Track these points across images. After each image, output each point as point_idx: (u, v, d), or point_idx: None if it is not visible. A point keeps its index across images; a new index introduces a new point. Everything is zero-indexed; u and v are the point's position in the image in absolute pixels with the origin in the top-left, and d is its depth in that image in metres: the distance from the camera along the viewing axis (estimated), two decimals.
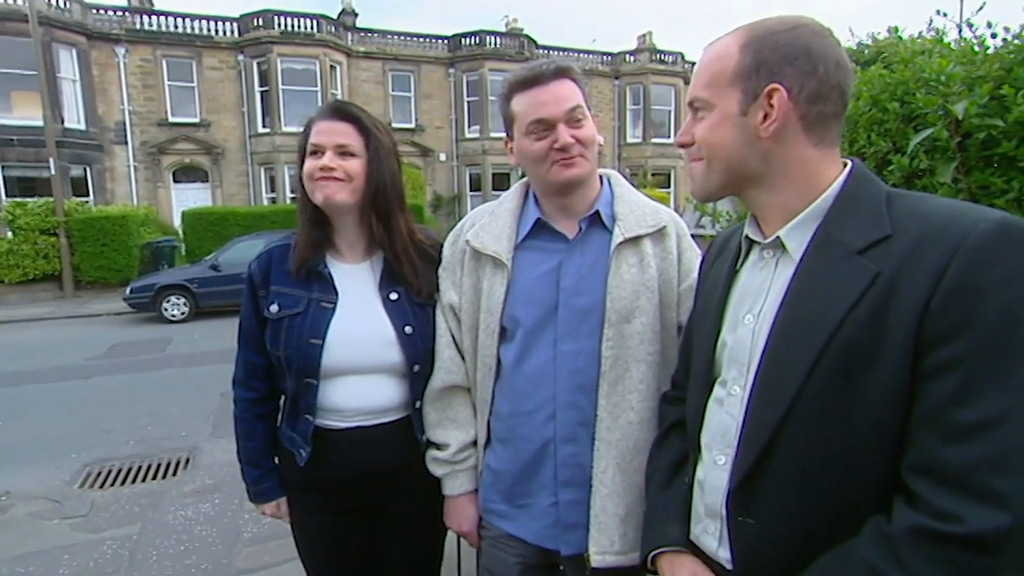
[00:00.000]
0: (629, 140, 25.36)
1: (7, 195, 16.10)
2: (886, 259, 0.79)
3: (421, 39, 22.48)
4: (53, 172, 13.60)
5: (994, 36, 1.34)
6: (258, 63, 19.53)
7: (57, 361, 7.90)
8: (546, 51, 23.98)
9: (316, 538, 1.52)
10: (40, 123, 14.54)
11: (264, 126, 19.66)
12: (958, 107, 1.24)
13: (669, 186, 25.09)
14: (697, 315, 1.14)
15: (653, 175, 24.35)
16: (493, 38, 22.44)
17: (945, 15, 1.54)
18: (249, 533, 3.33)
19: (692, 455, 1.07)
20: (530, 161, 1.30)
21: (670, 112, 25.15)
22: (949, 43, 1.54)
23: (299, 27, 19.54)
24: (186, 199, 19.27)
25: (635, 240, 1.28)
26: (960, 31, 1.48)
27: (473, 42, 22.25)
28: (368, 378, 1.41)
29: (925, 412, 0.74)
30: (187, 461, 4.43)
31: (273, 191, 19.78)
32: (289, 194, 19.28)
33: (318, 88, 19.65)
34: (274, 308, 1.41)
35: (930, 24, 1.57)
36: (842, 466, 0.81)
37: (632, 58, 25.41)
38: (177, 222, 17.89)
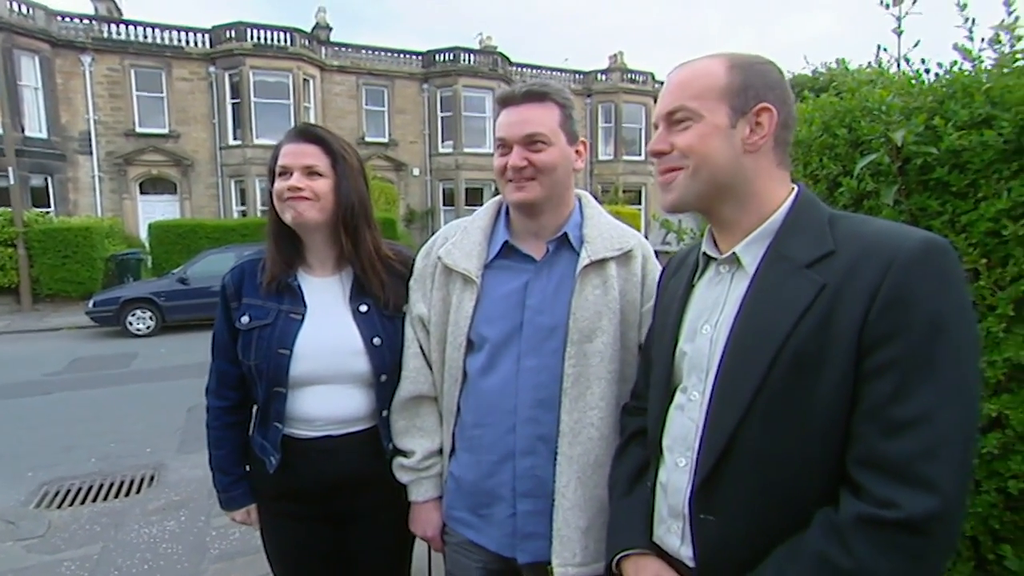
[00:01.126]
0: (601, 157, 25.76)
1: None
2: (830, 273, 0.87)
3: (395, 54, 22.57)
4: (12, 181, 13.21)
5: (927, 71, 1.45)
6: (230, 75, 19.36)
7: (13, 377, 7.65)
8: (519, 68, 24.29)
9: (285, 545, 1.55)
10: None
11: (235, 138, 19.46)
12: (897, 135, 1.33)
13: (640, 203, 25.48)
14: (656, 327, 1.20)
15: (624, 192, 24.72)
16: (467, 55, 22.65)
17: (885, 50, 1.64)
18: (216, 550, 3.28)
19: (654, 460, 1.12)
20: (496, 175, 1.38)
21: (640, 130, 25.64)
22: (892, 74, 1.65)
23: (272, 40, 19.45)
24: (153, 211, 18.91)
25: (600, 263, 1.33)
26: (899, 65, 1.59)
27: (447, 58, 22.44)
28: (335, 388, 1.46)
29: (866, 410, 0.82)
30: (152, 478, 4.34)
31: (244, 204, 19.53)
32: (260, 207, 19.05)
33: (291, 101, 19.56)
34: (245, 319, 1.47)
35: (877, 55, 1.67)
36: (796, 463, 0.88)
37: (604, 77, 25.89)
38: (144, 234, 17.54)
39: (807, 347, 0.86)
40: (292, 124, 18.33)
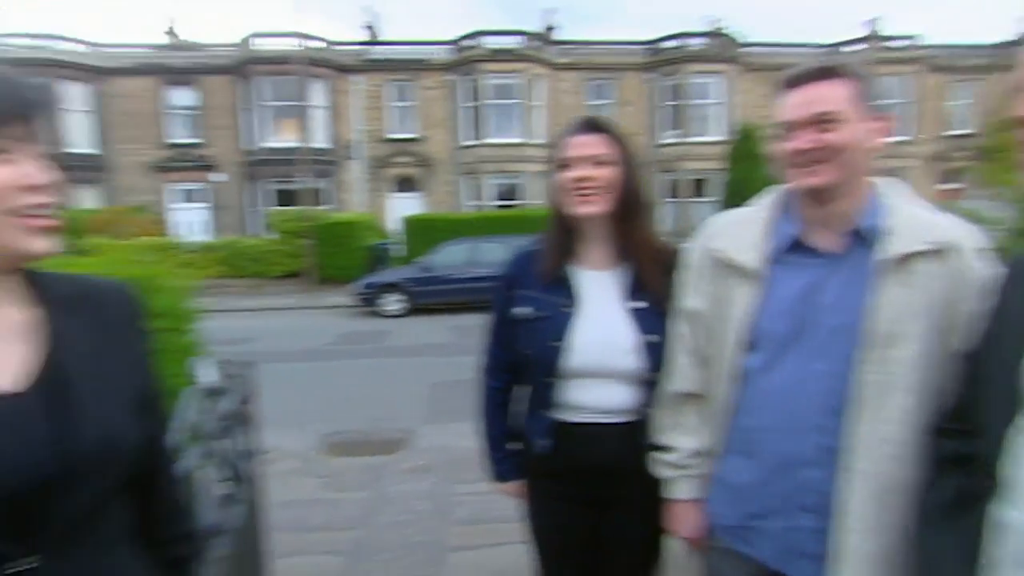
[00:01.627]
0: None
1: (271, 205, 19.50)
2: None
3: (620, 46, 22.52)
4: (304, 185, 16.14)
5: None
6: (468, 81, 21.19)
7: (301, 344, 9.31)
8: (752, 48, 22.52)
9: (548, 524, 1.60)
10: (296, 145, 17.39)
11: (471, 139, 21.24)
12: None
13: None
14: (993, 334, 0.98)
15: None
16: (694, 40, 21.70)
17: None
18: (459, 515, 3.59)
19: (990, 494, 0.92)
20: (781, 162, 1.24)
21: (902, 105, 22.04)
22: None
23: (505, 44, 20.83)
24: (401, 207, 21.55)
25: (906, 259, 1.15)
26: None
27: (673, 45, 21.73)
28: (605, 381, 1.47)
29: None
30: (404, 442, 4.92)
31: (477, 199, 21.26)
32: (491, 202, 20.61)
33: (520, 101, 20.74)
34: (520, 310, 1.52)
35: None
36: None
37: (856, 48, 22.73)
38: (394, 228, 20.11)
39: None
40: (523, 123, 19.43)
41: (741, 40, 22.30)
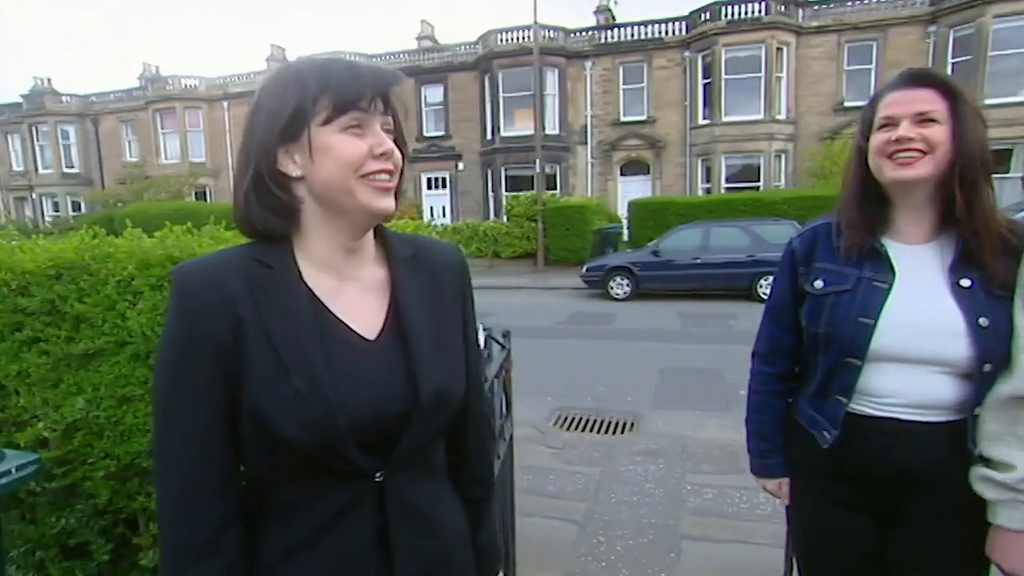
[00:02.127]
0: None
1: (507, 191, 20.91)
2: None
3: None
4: (537, 171, 16.94)
5: None
6: (703, 56, 20.09)
7: (533, 321, 9.83)
8: None
9: (820, 528, 1.42)
10: (530, 132, 18.30)
11: (704, 118, 20.16)
12: None
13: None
14: None
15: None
16: None
17: None
18: (691, 504, 3.48)
19: None
20: None
21: None
22: None
23: (747, 13, 19.24)
24: (630, 190, 21.43)
25: None
26: None
27: None
28: (921, 369, 1.24)
29: None
30: (632, 424, 4.92)
31: (709, 181, 20.18)
32: (724, 184, 19.42)
33: (762, 74, 19.08)
34: (819, 284, 1.35)
35: None
36: None
37: None
38: (621, 211, 20.13)
39: None
40: (762, 98, 17.82)
41: None
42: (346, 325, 0.88)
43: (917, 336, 1.23)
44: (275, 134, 0.84)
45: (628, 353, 7.61)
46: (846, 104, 19.31)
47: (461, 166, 23.70)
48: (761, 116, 19.33)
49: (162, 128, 26.81)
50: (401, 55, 24.56)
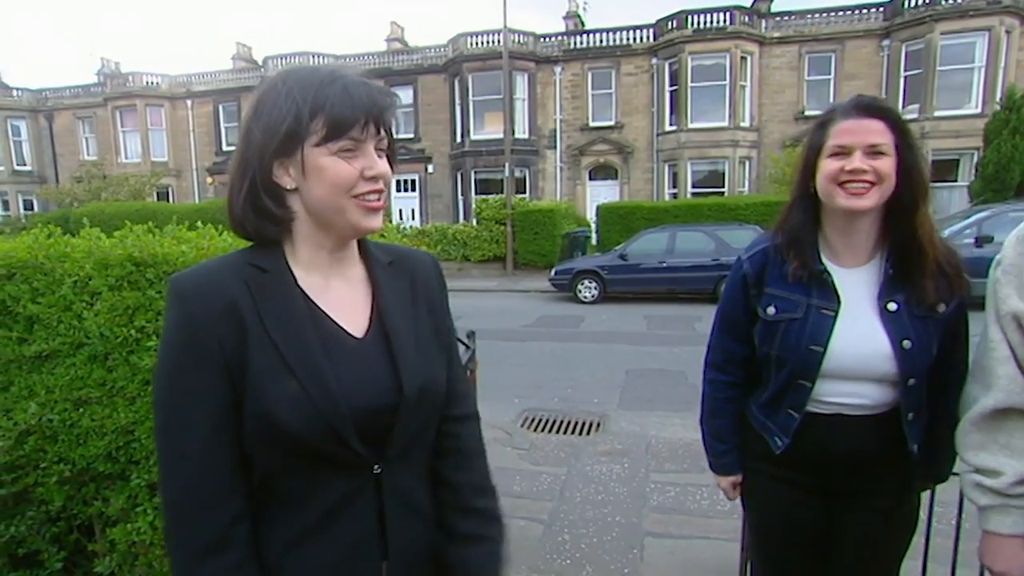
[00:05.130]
0: None
1: (476, 194, 20.93)
2: None
3: (849, 11, 19.97)
4: (507, 174, 17.00)
5: None
6: (670, 64, 20.47)
7: (501, 324, 9.85)
8: None
9: (773, 506, 1.51)
10: (500, 136, 18.37)
11: (671, 124, 20.53)
12: None
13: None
14: None
15: None
16: None
17: None
18: (655, 501, 3.55)
19: None
20: None
21: None
22: None
23: (712, 22, 19.70)
24: (598, 195, 21.66)
25: None
26: None
27: (921, 2, 18.54)
28: (860, 383, 1.37)
29: None
30: (598, 425, 4.98)
31: (675, 187, 20.55)
32: (691, 189, 19.79)
33: (726, 82, 19.56)
34: (771, 311, 1.42)
35: None
36: None
37: None
38: (590, 215, 20.32)
39: None
40: (727, 106, 18.23)
41: None
42: (337, 323, 0.93)
43: (857, 358, 1.35)
44: (271, 148, 0.87)
45: (595, 355, 7.69)
46: (807, 113, 19.91)
47: (430, 169, 23.62)
48: (726, 123, 19.79)
49: (122, 126, 26.04)
50: (370, 56, 24.37)
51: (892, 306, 1.33)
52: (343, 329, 0.93)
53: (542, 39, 22.26)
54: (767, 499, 1.52)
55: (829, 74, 20.08)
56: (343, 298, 0.95)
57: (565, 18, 24.13)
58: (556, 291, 12.99)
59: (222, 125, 25.79)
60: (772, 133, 20.37)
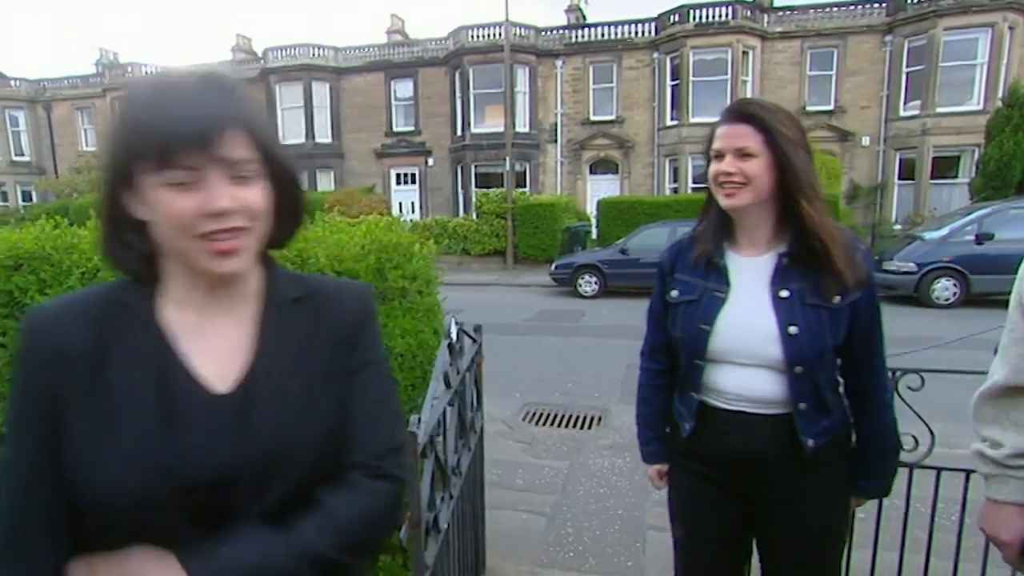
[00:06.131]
0: None
1: (477, 187, 20.92)
2: None
3: (851, 7, 19.89)
4: (507, 168, 16.97)
5: None
6: (671, 58, 20.41)
7: (502, 318, 9.86)
8: None
9: (691, 500, 1.59)
10: (501, 129, 18.34)
11: (672, 119, 20.50)
12: None
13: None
14: None
15: None
16: None
17: None
18: (657, 495, 3.56)
19: None
20: None
21: None
22: None
23: (714, 16, 19.63)
24: (599, 189, 21.64)
25: None
26: None
27: None
28: (750, 369, 1.42)
29: None
30: (599, 419, 4.99)
31: (676, 181, 20.53)
32: (691, 184, 19.76)
33: (728, 76, 19.49)
34: (675, 293, 1.53)
35: None
36: None
37: None
38: (590, 210, 20.31)
39: None
40: (728, 100, 18.23)
41: None
42: (192, 374, 0.79)
43: (742, 339, 1.42)
44: (111, 175, 0.76)
45: (596, 349, 7.70)
46: (808, 108, 19.84)
47: (431, 162, 23.58)
48: None
49: None
50: (371, 49, 24.28)
51: (784, 293, 1.39)
52: (197, 382, 0.78)
53: (543, 32, 22.17)
54: (687, 492, 1.60)
55: (831, 70, 20.01)
56: (221, 341, 0.81)
57: (567, 11, 24.05)
58: (556, 285, 12.99)
59: None
60: None
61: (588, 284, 12.27)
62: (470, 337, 2.29)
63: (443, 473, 1.72)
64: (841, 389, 1.48)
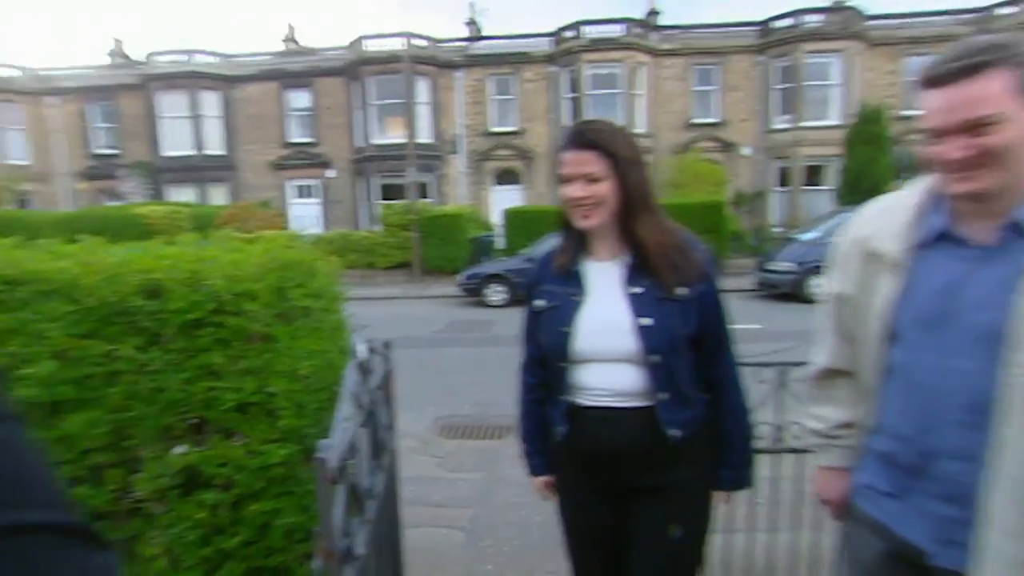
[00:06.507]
0: None
1: (379, 199, 20.53)
2: None
3: (728, 29, 21.54)
4: (410, 179, 16.79)
5: None
6: (568, 72, 21.11)
7: (410, 331, 9.72)
8: (879, 20, 20.75)
9: (573, 509, 1.67)
10: (403, 140, 18.13)
11: None
12: None
13: None
14: None
15: None
16: (811, 16, 20.28)
17: None
18: None
19: None
20: (930, 162, 1.19)
21: None
22: None
23: (607, 33, 20.53)
24: (503, 199, 21.86)
25: None
26: None
27: (787, 24, 20.44)
28: (612, 365, 1.52)
29: None
30: (513, 428, 5.02)
31: None
32: None
33: (622, 90, 20.40)
34: (540, 303, 1.62)
35: None
36: None
37: (1013, 11, 20.33)
38: (496, 220, 20.48)
39: None
40: (624, 113, 19.01)
41: (866, 13, 20.57)
42: None
43: (600, 337, 1.51)
44: None
45: (507, 359, 7.71)
46: (695, 121, 21.25)
47: (331, 174, 22.89)
48: None
49: None
50: (264, 57, 23.29)
51: (636, 290, 1.50)
52: None
53: (442, 44, 22.24)
54: (567, 501, 1.69)
55: (714, 85, 21.52)
56: None
57: (466, 24, 24.26)
58: (465, 296, 12.99)
59: (94, 126, 23.65)
60: (665, 139, 21.52)
61: (497, 294, 12.36)
62: (379, 354, 2.24)
63: (357, 497, 1.66)
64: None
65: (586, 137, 1.47)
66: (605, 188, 1.47)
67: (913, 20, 21.04)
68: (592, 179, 1.46)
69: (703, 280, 1.51)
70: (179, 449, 1.74)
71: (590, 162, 1.46)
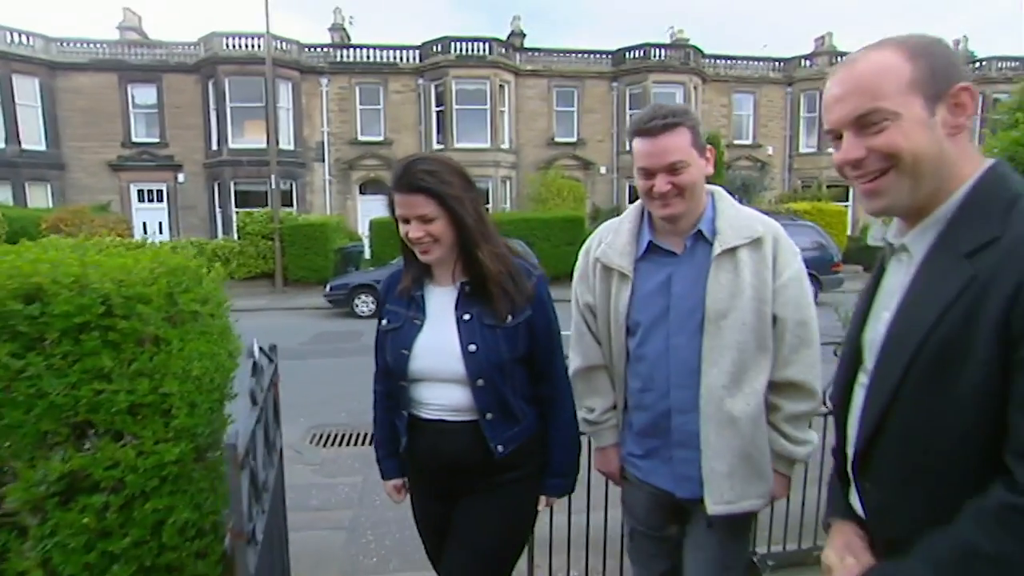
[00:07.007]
0: (802, 150, 23.89)
1: (237, 206, 19.33)
2: (986, 262, 0.85)
3: (585, 55, 23.09)
4: (272, 187, 16.07)
5: None
6: (435, 85, 21.38)
7: (279, 342, 9.25)
8: (713, 60, 23.41)
9: (421, 509, 1.84)
10: (263, 146, 17.33)
11: (438, 143, 21.42)
12: None
13: (847, 199, 22.84)
14: (855, 311, 1.21)
15: (828, 187, 22.57)
16: (657, 50, 22.40)
17: None
18: None
19: (841, 430, 1.16)
20: (640, 193, 1.66)
21: None
22: None
23: (473, 50, 21.12)
24: (370, 210, 21.53)
25: (731, 251, 1.58)
26: None
27: (637, 55, 22.40)
28: (444, 384, 1.63)
29: (1016, 401, 0.80)
30: None
31: None
32: None
33: (488, 106, 21.05)
34: (384, 322, 1.71)
35: None
36: (943, 448, 0.89)
37: (808, 63, 23.89)
38: (362, 230, 20.14)
39: (951, 338, 0.86)
40: (488, 129, 19.54)
41: (704, 52, 23.12)
42: None
43: (434, 360, 1.62)
44: None
45: None
46: (557, 139, 22.48)
47: (182, 178, 21.15)
48: (488, 145, 21.32)
49: None
50: (99, 45, 20.98)
51: (466, 316, 1.61)
52: None
53: (307, 49, 21.54)
54: (414, 506, 1.84)
55: (573, 107, 22.94)
56: None
57: (330, 30, 23.65)
58: (332, 307, 12.69)
59: None
60: (529, 156, 22.53)
61: (365, 304, 12.23)
62: (268, 357, 2.32)
63: (255, 488, 1.77)
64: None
65: (414, 182, 1.51)
66: (439, 227, 1.54)
67: (739, 62, 23.99)
68: (425, 220, 1.53)
69: (533, 305, 1.62)
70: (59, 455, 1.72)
71: (420, 205, 1.52)
